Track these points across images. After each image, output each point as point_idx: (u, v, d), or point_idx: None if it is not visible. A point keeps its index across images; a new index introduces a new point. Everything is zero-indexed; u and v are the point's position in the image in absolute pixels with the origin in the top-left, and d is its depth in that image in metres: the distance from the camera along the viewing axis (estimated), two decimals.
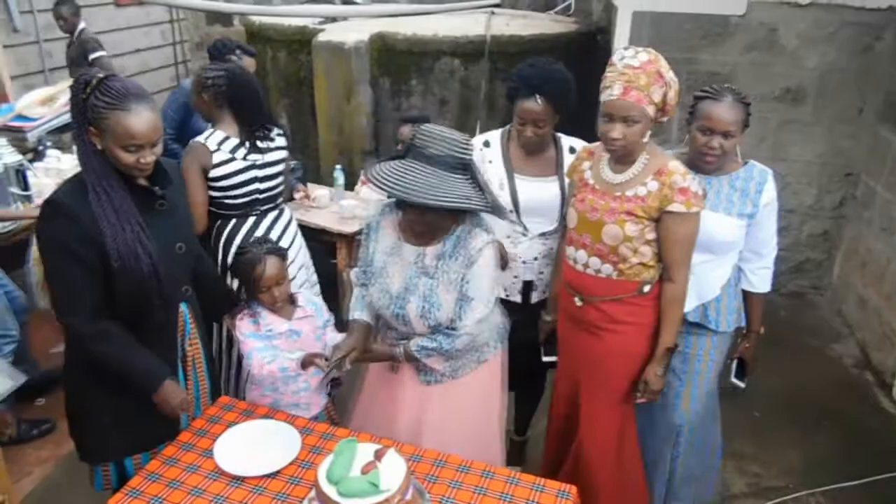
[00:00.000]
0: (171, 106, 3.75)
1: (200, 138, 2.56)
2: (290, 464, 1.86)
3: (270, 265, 2.13)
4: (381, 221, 2.08)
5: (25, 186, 3.49)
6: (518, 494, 1.78)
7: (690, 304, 2.18)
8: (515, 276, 2.46)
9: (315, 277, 3.03)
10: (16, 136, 3.88)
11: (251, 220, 2.65)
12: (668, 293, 2.07)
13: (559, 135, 2.47)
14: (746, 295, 2.30)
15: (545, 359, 2.46)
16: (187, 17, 7.31)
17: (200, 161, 2.50)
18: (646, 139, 1.99)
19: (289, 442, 1.93)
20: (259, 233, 2.63)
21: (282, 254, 2.22)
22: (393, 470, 1.56)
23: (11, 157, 3.52)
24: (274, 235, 2.67)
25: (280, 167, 2.69)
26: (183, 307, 1.98)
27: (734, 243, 2.18)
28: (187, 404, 1.88)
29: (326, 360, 2.02)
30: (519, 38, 4.66)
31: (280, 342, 2.18)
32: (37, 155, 3.92)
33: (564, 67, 2.34)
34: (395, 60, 4.68)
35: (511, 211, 2.32)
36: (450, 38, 4.59)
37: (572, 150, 2.43)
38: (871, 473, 2.80)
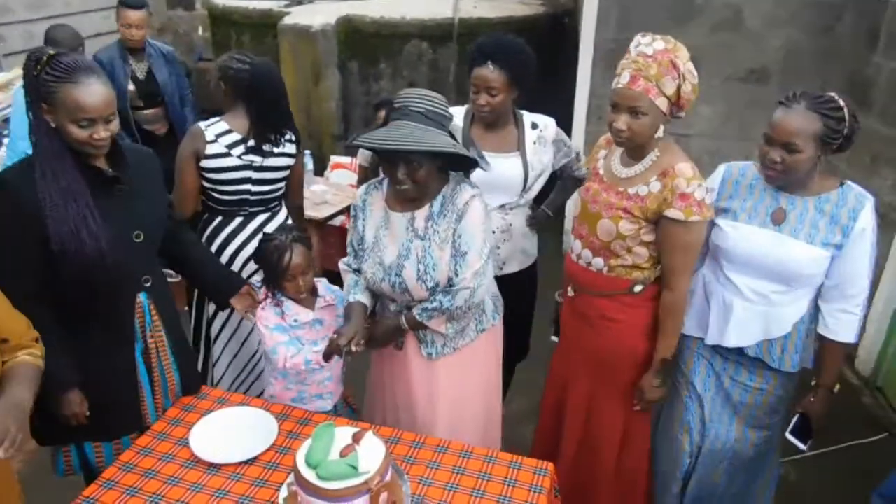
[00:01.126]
0: None
1: (202, 124, 2.48)
2: (268, 449, 1.86)
3: (297, 253, 2.09)
4: (368, 199, 2.08)
5: None
6: (496, 473, 1.80)
7: (753, 339, 1.99)
8: None
9: None
10: None
11: (238, 219, 2.57)
12: (666, 301, 1.98)
13: (521, 111, 2.47)
14: (822, 341, 1.98)
15: (554, 339, 2.47)
16: (148, 1, 7.12)
17: (195, 146, 2.43)
18: (659, 134, 1.88)
19: (265, 428, 1.92)
20: (245, 234, 2.55)
21: (307, 242, 2.18)
22: (371, 452, 1.57)
23: None
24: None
25: (281, 174, 2.59)
26: (142, 297, 1.92)
27: (814, 276, 1.91)
28: (81, 419, 1.86)
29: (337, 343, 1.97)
30: (487, 21, 4.65)
31: (304, 332, 2.15)
32: None
33: (524, 42, 2.35)
34: (363, 43, 4.64)
35: None
36: (418, 20, 4.57)
37: (535, 126, 2.44)
38: (836, 441, 2.89)
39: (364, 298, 2.08)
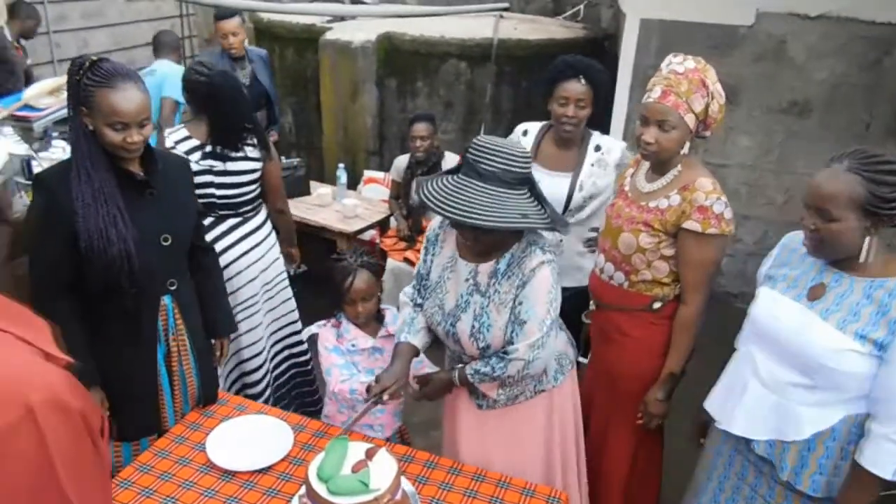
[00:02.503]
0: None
1: (166, 131, 2.62)
2: (282, 460, 1.86)
3: (360, 279, 2.06)
4: (440, 235, 1.98)
5: (30, 176, 3.50)
6: (508, 498, 1.77)
7: (762, 432, 1.66)
8: None
9: (283, 297, 2.92)
10: (23, 125, 3.89)
11: (208, 220, 2.63)
12: (680, 315, 1.99)
13: (592, 131, 2.52)
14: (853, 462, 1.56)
15: (581, 359, 2.42)
16: (197, 12, 7.33)
17: None
18: (684, 151, 1.93)
19: (281, 438, 1.93)
20: (213, 234, 2.59)
21: (375, 269, 2.14)
22: (383, 469, 1.56)
23: (17, 146, 3.54)
24: (228, 241, 2.65)
25: (247, 177, 2.64)
26: (166, 300, 1.95)
27: (841, 376, 1.52)
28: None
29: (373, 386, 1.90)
30: (526, 43, 4.66)
31: (361, 359, 2.13)
32: (42, 145, 3.93)
33: None
34: (402, 61, 4.69)
35: None
36: (457, 40, 4.60)
37: (598, 148, 2.48)
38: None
39: (416, 340, 1.97)
